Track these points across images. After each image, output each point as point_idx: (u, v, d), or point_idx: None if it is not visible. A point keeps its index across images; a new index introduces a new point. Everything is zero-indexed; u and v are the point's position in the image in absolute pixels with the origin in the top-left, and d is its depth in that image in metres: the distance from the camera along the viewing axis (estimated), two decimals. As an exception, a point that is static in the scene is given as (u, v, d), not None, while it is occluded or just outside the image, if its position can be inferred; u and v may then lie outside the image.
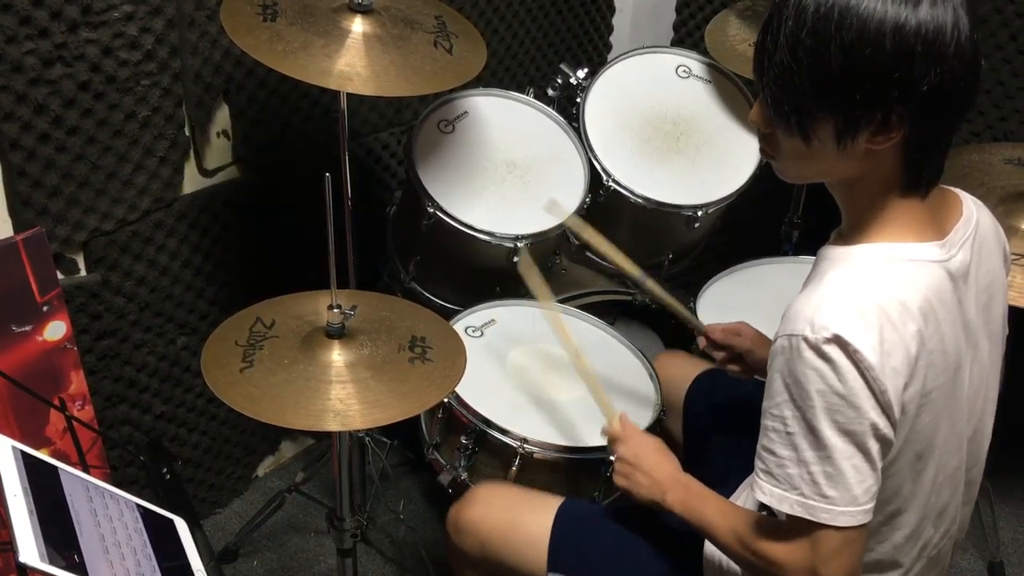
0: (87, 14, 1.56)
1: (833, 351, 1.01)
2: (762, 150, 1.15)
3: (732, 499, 1.43)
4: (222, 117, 1.88)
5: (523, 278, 1.66)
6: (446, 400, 1.65)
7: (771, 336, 1.11)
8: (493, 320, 1.88)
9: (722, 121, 2.12)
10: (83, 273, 1.76)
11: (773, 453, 1.08)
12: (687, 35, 2.65)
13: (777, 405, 1.07)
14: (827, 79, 1.00)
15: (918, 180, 1.08)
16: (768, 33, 1.04)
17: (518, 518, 1.47)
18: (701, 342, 1.61)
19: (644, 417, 1.71)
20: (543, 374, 1.79)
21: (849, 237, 1.12)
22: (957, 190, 1.18)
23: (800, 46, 1.01)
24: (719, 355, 1.58)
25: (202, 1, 1.72)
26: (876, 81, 0.99)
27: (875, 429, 1.03)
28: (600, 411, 1.50)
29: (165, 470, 1.64)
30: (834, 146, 1.04)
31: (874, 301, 1.03)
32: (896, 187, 1.08)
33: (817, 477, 1.05)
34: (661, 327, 2.22)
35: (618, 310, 2.20)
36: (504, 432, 1.62)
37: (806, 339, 1.02)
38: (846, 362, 1.01)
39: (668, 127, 2.10)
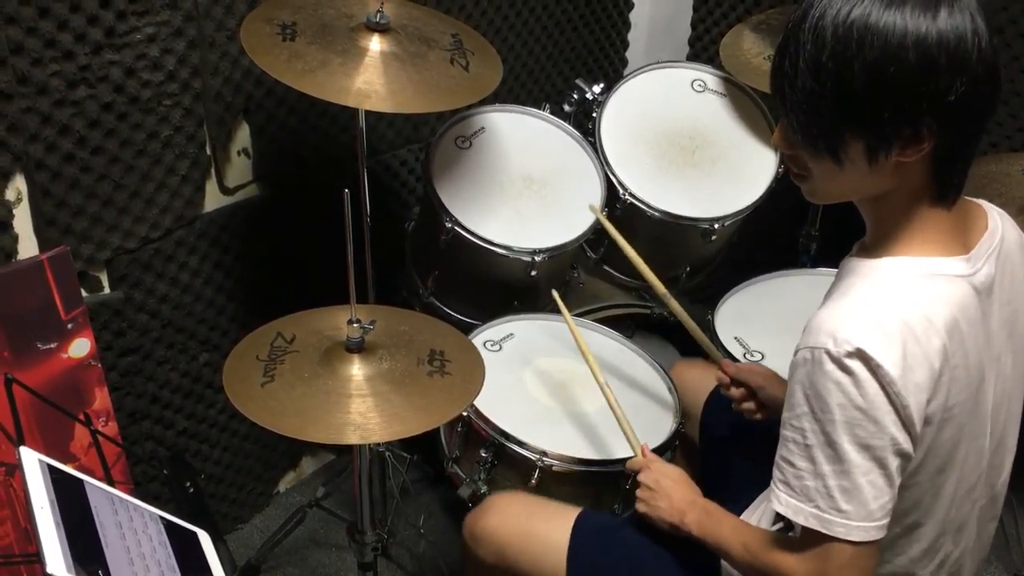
0: (110, 36, 1.59)
1: (855, 365, 1.01)
2: (794, 174, 1.14)
3: (748, 511, 1.43)
4: (242, 136, 1.90)
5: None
6: (465, 413, 1.66)
7: (789, 362, 1.11)
8: (512, 334, 1.88)
9: (738, 134, 2.12)
10: (107, 291, 1.79)
11: (791, 464, 1.08)
12: (702, 50, 2.67)
13: (797, 417, 1.07)
14: (853, 99, 1.00)
15: (947, 190, 1.07)
16: (786, 57, 1.03)
17: (536, 527, 1.48)
18: (720, 378, 1.59)
19: (663, 430, 1.71)
20: (562, 387, 1.79)
21: (874, 250, 1.12)
22: (982, 202, 1.18)
23: (822, 69, 1.00)
24: (736, 392, 1.56)
25: (222, 22, 1.75)
26: (903, 96, 0.98)
27: (895, 444, 1.03)
28: (627, 443, 1.53)
29: (188, 484, 1.65)
30: (865, 164, 1.04)
31: (899, 316, 1.03)
32: (924, 198, 1.07)
33: (833, 491, 1.05)
34: (679, 340, 2.22)
35: (636, 323, 2.20)
36: (523, 445, 1.62)
37: (828, 352, 1.02)
38: (868, 376, 1.01)
39: (684, 141, 2.11)
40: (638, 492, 1.40)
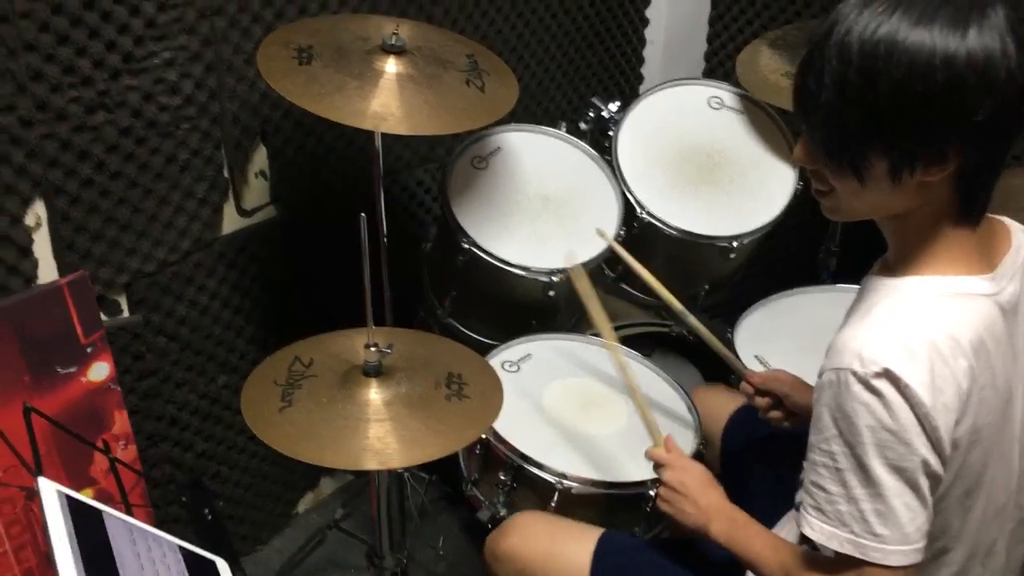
0: (128, 61, 1.60)
1: (883, 385, 0.99)
2: (816, 191, 1.12)
3: (774, 531, 1.41)
4: (259, 158, 1.91)
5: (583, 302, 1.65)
6: (484, 436, 1.65)
7: (811, 380, 1.09)
8: (529, 355, 1.87)
9: (756, 151, 2.11)
10: (126, 314, 1.79)
11: (823, 489, 1.06)
12: (718, 65, 2.66)
13: (826, 440, 1.05)
14: (878, 116, 0.98)
15: (971, 209, 1.06)
16: (810, 72, 1.02)
17: (558, 548, 1.46)
18: (744, 388, 1.58)
19: (684, 449, 1.69)
20: (581, 408, 1.78)
21: (897, 269, 1.10)
22: (1005, 219, 1.16)
23: (847, 85, 0.98)
24: (761, 402, 1.55)
25: (239, 46, 1.76)
26: (929, 115, 0.97)
27: (926, 466, 1.01)
28: (647, 433, 1.48)
29: (207, 511, 1.65)
30: (888, 182, 1.02)
31: (924, 336, 1.01)
32: (948, 218, 1.06)
33: (868, 515, 1.03)
34: (699, 359, 2.21)
35: (655, 342, 2.19)
36: (542, 468, 1.61)
37: (855, 373, 1.00)
38: (897, 397, 0.99)
39: (701, 158, 2.09)
40: (661, 491, 1.36)
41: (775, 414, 1.54)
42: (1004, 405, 1.09)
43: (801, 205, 2.05)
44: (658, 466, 1.40)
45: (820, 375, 1.06)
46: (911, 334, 1.01)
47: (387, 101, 1.56)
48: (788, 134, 2.11)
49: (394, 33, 1.62)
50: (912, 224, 1.07)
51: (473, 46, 1.79)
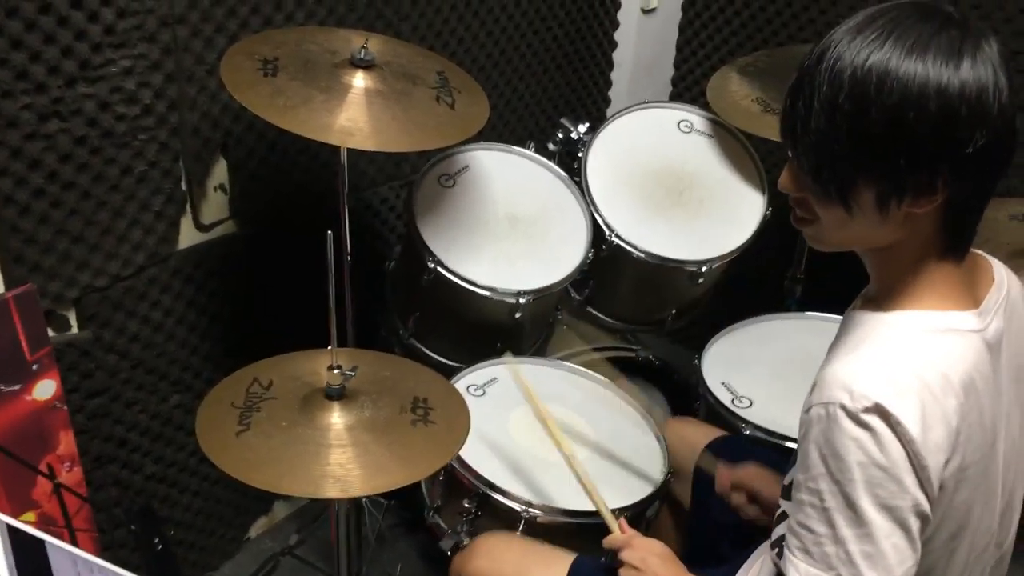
0: (85, 68, 1.55)
1: (873, 420, 0.96)
2: (797, 218, 1.10)
3: (743, 569, 1.38)
4: (220, 171, 1.85)
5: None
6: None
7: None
8: (495, 378, 1.83)
9: (725, 176, 2.10)
10: (75, 330, 1.72)
11: (809, 529, 1.02)
12: (685, 90, 2.66)
13: (813, 478, 1.01)
14: (868, 144, 0.97)
15: (957, 243, 1.04)
16: (800, 98, 1.00)
17: (527, 571, 1.43)
18: (721, 489, 1.53)
19: (652, 478, 1.66)
20: (547, 434, 1.74)
21: (882, 303, 1.08)
22: (986, 255, 1.15)
23: (838, 112, 0.97)
24: (738, 499, 1.50)
25: (202, 56, 1.71)
26: (920, 145, 0.95)
27: (916, 505, 0.98)
28: (605, 521, 1.43)
29: (157, 540, 1.58)
30: (875, 212, 1.00)
31: (915, 372, 0.99)
32: (934, 252, 1.04)
33: (855, 557, 0.99)
34: (664, 384, 2.19)
35: (621, 366, 2.16)
36: (507, 495, 1.57)
37: (844, 407, 0.97)
38: (888, 433, 0.96)
39: (671, 182, 2.08)
40: (622, 572, 1.32)
41: (752, 511, 1.48)
42: (990, 444, 1.08)
43: (768, 230, 2.04)
44: (616, 549, 1.35)
45: (807, 410, 1.03)
46: (901, 370, 0.99)
47: (354, 116, 1.52)
48: (758, 160, 2.11)
49: (363, 47, 1.59)
50: (896, 257, 1.06)
51: (443, 62, 1.76)
